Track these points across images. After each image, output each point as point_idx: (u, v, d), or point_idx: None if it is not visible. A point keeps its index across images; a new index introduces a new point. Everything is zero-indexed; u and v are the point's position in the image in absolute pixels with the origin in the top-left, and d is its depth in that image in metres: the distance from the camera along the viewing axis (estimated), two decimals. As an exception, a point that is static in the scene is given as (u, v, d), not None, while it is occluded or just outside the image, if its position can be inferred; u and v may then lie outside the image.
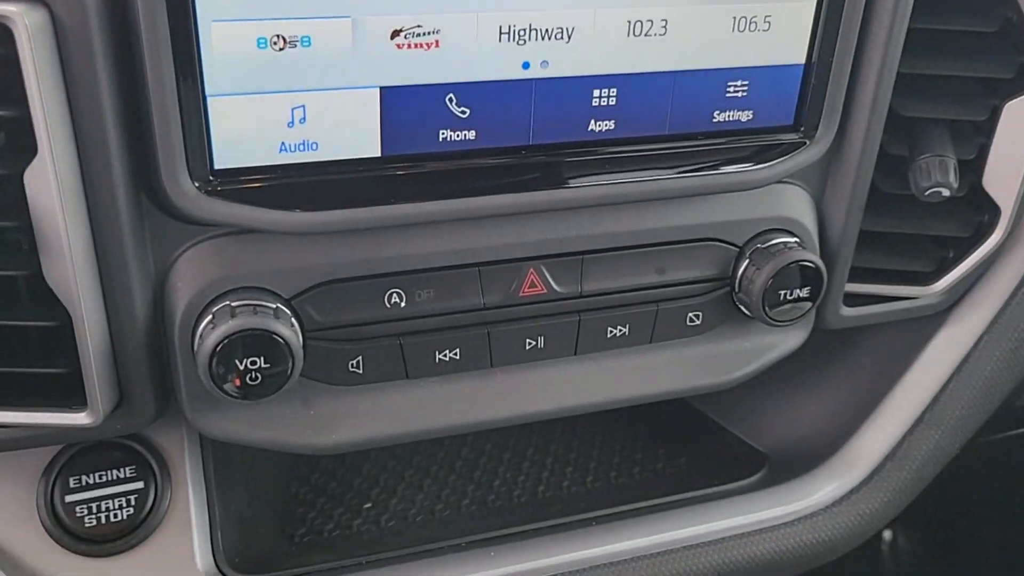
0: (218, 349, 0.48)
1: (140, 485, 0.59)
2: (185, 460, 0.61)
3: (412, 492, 0.72)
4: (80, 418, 0.51)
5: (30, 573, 0.57)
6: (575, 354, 0.59)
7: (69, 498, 0.58)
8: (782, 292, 0.59)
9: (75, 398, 0.51)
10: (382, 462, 0.75)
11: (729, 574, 0.66)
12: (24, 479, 0.58)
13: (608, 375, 0.60)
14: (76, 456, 0.59)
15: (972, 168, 0.63)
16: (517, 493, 0.72)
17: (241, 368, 0.49)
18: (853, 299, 0.66)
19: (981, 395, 0.69)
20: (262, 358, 0.49)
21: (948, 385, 0.69)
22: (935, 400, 0.69)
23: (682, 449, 0.76)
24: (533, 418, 0.59)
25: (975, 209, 0.65)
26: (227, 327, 0.48)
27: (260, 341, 0.49)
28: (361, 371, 0.54)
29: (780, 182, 0.60)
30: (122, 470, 0.59)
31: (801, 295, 0.59)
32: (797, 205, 0.61)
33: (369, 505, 0.71)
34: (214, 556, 0.60)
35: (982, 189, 0.64)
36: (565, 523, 0.65)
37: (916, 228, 0.65)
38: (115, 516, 0.59)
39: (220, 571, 0.60)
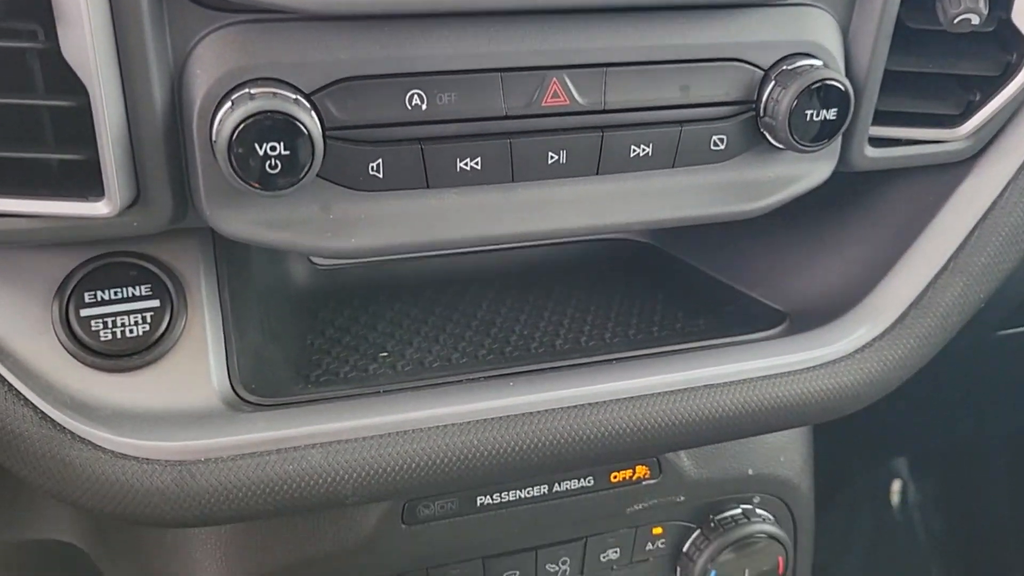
0: (238, 130, 0.47)
1: (156, 303, 0.59)
2: (201, 284, 0.60)
3: (428, 344, 0.71)
4: (98, 207, 0.50)
5: (46, 384, 0.56)
6: (597, 173, 0.58)
7: (84, 312, 0.57)
8: (809, 113, 0.58)
9: (92, 187, 0.50)
10: (398, 320, 0.75)
11: (751, 416, 0.65)
12: (40, 294, 0.57)
13: (630, 197, 0.59)
14: (92, 273, 0.58)
15: (1001, 2, 0.62)
16: (535, 345, 0.71)
17: (261, 153, 0.48)
18: (878, 143, 0.65)
19: (1008, 243, 0.68)
20: (282, 144, 0.48)
21: (974, 232, 0.68)
22: (961, 247, 0.68)
23: (701, 311, 0.75)
24: (554, 235, 0.58)
25: (1003, 47, 0.64)
26: (247, 108, 0.47)
27: (280, 126, 0.48)
28: (381, 175, 0.54)
29: (807, 5, 0.59)
30: (138, 288, 0.59)
31: (828, 117, 0.58)
32: (824, 30, 0.60)
33: (385, 354, 0.70)
34: (230, 379, 0.60)
35: (1011, 24, 0.62)
36: (586, 363, 0.64)
37: (942, 67, 0.63)
38: (131, 332, 0.58)
39: (236, 393, 0.60)
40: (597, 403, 0.62)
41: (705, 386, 0.64)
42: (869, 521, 2.05)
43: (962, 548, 2.02)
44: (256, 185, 0.49)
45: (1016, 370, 1.16)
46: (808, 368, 0.66)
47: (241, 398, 0.60)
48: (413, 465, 0.59)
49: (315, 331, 0.72)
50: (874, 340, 0.68)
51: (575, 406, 0.62)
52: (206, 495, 0.56)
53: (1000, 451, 1.91)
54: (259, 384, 0.61)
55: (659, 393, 0.64)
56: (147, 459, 0.55)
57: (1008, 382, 1.22)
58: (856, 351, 0.67)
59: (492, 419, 0.61)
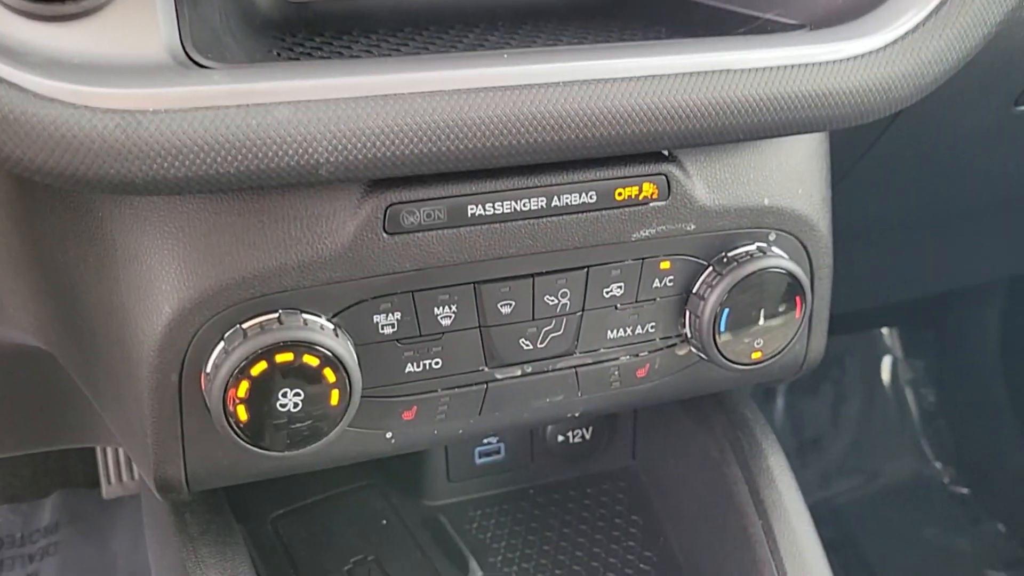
0: None
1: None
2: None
3: (409, 37, 0.64)
4: None
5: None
6: None
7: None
8: None
9: None
10: (374, 45, 0.67)
11: (770, 108, 0.58)
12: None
13: None
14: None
15: None
16: (528, 54, 0.64)
17: None
18: None
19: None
20: None
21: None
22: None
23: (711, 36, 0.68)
24: None
25: None
26: None
27: None
28: None
29: None
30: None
31: None
32: None
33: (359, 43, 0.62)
34: (181, 40, 0.52)
35: None
36: (592, 47, 0.57)
37: None
38: None
39: (188, 55, 0.52)
40: (605, 79, 0.55)
41: (723, 71, 0.57)
42: (860, 398, 2.02)
43: (952, 422, 1.99)
44: None
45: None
46: (834, 61, 0.59)
47: (193, 60, 0.52)
48: (397, 131, 0.52)
49: (281, 47, 0.64)
50: (907, 34, 0.61)
51: (579, 80, 0.54)
52: (157, 149, 0.48)
53: (994, 321, 1.88)
54: (214, 53, 0.54)
55: (673, 74, 0.56)
56: (87, 105, 0.48)
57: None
58: (887, 45, 0.61)
59: (487, 88, 0.53)
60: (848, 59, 0.60)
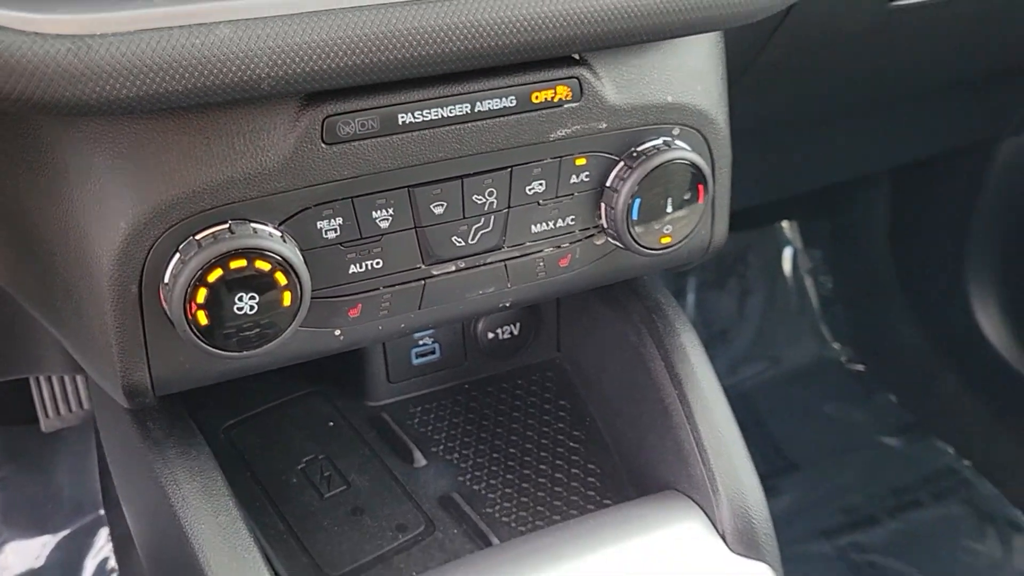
0: None
1: None
2: None
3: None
4: None
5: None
6: None
7: None
8: None
9: None
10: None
11: (670, 9, 0.64)
12: None
13: None
14: None
15: None
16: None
17: None
18: None
19: None
20: None
21: None
22: None
23: None
24: None
25: None
26: None
27: None
28: None
29: None
30: None
31: None
32: None
33: None
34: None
35: None
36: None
37: None
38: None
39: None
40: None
41: (626, -24, 0.63)
42: (763, 289, 2.15)
43: (847, 306, 2.15)
44: None
45: (910, 46, 1.20)
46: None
47: (133, -13, 0.55)
48: (332, 45, 0.56)
49: None
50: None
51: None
52: (108, 71, 0.52)
53: (881, 209, 2.02)
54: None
55: (582, -19, 0.62)
56: (37, 32, 0.50)
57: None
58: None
59: (411, 1, 0.58)
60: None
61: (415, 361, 1.04)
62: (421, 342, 1.03)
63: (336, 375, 1.04)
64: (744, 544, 0.80)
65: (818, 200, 2.07)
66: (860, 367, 2.13)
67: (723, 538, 0.81)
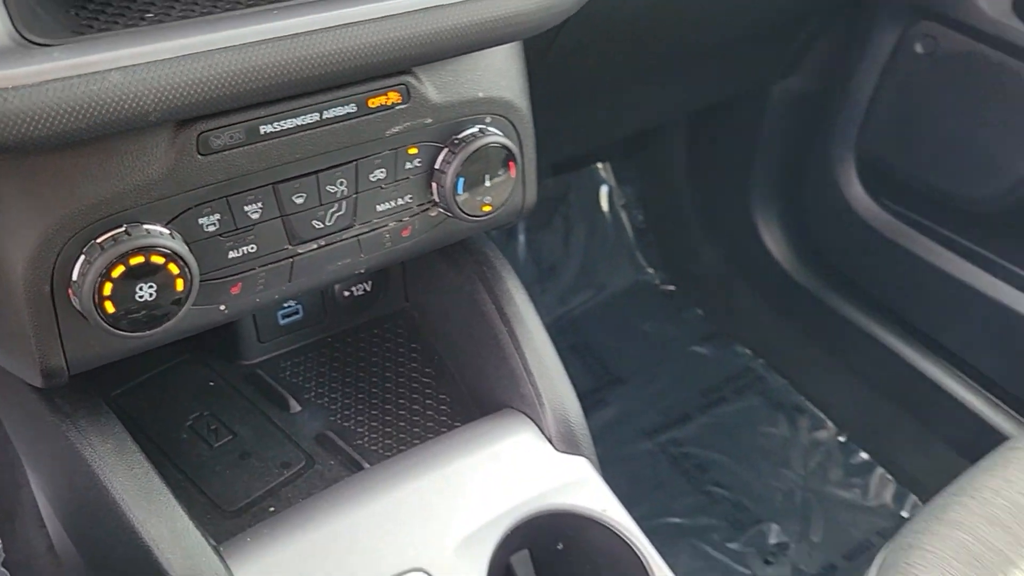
0: None
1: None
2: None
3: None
4: None
5: None
6: None
7: None
8: None
9: None
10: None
11: (476, 30, 0.80)
12: None
13: None
14: None
15: None
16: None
17: None
18: None
19: None
20: None
21: None
22: None
23: None
24: None
25: None
26: None
27: None
28: None
29: None
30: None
31: None
32: None
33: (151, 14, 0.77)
34: (12, 23, 0.65)
35: None
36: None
37: None
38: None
39: (23, 36, 0.65)
40: (358, 22, 0.75)
41: (437, 6, 0.79)
42: (585, 225, 2.38)
43: (658, 234, 2.42)
44: None
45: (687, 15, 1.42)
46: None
47: (29, 40, 0.66)
48: (205, 81, 0.69)
49: (87, 18, 0.76)
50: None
51: (340, 25, 0.74)
52: (21, 117, 0.63)
53: (679, 150, 2.28)
54: (38, 30, 0.67)
55: (403, 12, 0.77)
56: (-43, 92, 0.61)
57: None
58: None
59: (267, 39, 0.72)
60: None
61: (281, 322, 1.18)
62: (286, 305, 1.17)
63: (210, 341, 1.17)
64: (566, 444, 1.01)
65: (628, 144, 2.31)
66: (671, 288, 2.41)
67: (550, 441, 1.02)
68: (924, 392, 1.87)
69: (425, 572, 0.88)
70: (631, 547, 0.93)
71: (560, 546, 0.97)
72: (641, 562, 0.93)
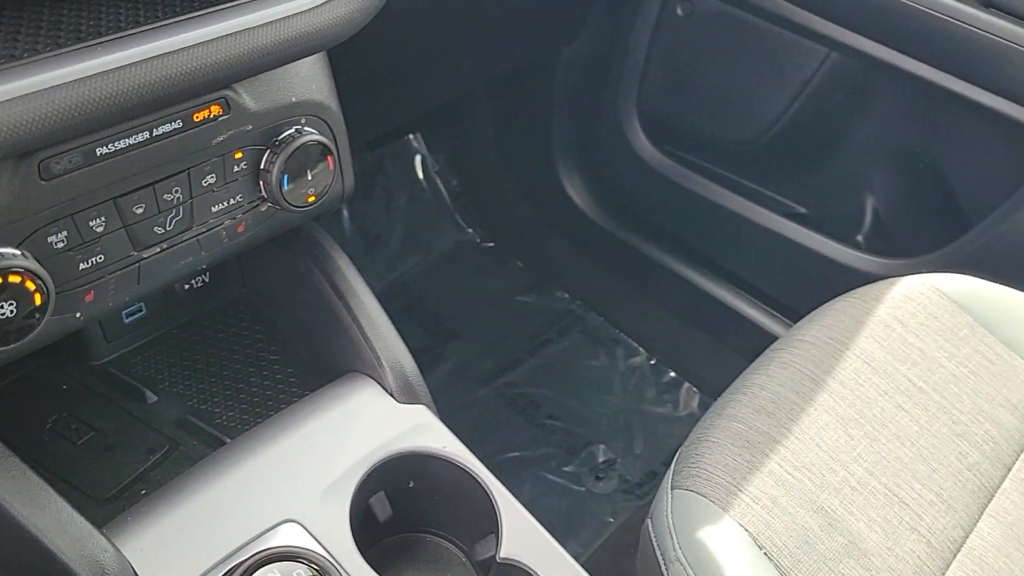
0: None
1: None
2: None
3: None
4: None
5: None
6: None
7: None
8: None
9: None
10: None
11: (282, 47, 0.91)
12: None
13: None
14: None
15: None
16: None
17: None
18: None
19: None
20: None
21: None
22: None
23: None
24: None
25: None
26: None
27: None
28: None
29: None
30: None
31: None
32: None
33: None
34: None
35: None
36: (171, 23, 0.84)
37: None
38: None
39: None
40: (178, 50, 0.84)
41: (245, 29, 0.89)
42: (405, 193, 2.51)
43: (473, 199, 2.58)
44: None
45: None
46: (316, 7, 0.94)
47: None
48: (42, 119, 0.77)
49: None
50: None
51: (162, 54, 0.83)
52: None
53: (486, 116, 2.44)
54: None
55: (217, 38, 0.87)
56: None
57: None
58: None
59: (97, 73, 0.80)
60: (311, 9, 0.94)
61: (126, 320, 1.26)
62: (129, 304, 1.24)
63: (56, 347, 1.23)
64: (406, 396, 1.16)
65: (437, 115, 2.45)
66: (491, 244, 2.58)
67: (392, 396, 1.16)
68: (715, 311, 2.14)
69: (295, 521, 1.01)
70: (470, 475, 1.09)
71: (411, 484, 1.12)
72: (481, 486, 1.09)
